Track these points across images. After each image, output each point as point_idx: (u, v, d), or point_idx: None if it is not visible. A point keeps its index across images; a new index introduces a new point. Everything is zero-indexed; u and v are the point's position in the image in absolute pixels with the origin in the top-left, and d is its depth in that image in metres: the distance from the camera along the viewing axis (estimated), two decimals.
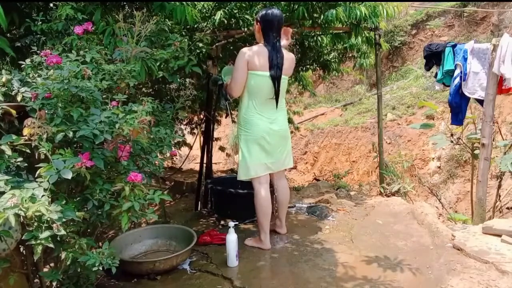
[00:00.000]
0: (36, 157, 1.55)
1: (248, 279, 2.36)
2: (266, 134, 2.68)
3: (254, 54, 2.57)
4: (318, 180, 7.78)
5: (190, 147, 6.09)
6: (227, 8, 3.32)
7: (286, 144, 2.86)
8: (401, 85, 10.31)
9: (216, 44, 3.53)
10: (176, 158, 6.15)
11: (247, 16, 3.43)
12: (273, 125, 2.71)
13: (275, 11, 2.63)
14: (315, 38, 4.53)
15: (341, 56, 5.13)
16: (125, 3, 2.71)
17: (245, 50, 2.60)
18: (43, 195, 1.40)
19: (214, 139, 4.86)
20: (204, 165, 4.06)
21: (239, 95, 2.70)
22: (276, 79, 2.62)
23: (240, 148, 2.77)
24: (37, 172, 1.47)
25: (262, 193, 2.72)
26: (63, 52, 1.99)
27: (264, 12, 2.62)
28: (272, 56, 2.59)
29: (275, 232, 3.02)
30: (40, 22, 2.13)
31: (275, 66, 2.60)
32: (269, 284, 2.31)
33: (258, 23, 2.65)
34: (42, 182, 1.45)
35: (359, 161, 8.49)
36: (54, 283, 1.86)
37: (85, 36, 2.07)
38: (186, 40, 2.47)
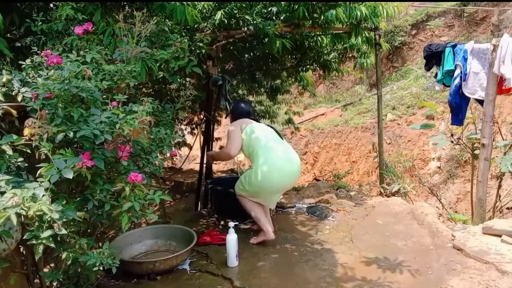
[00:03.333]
0: (36, 157, 1.55)
1: (248, 279, 2.36)
2: (286, 186, 2.94)
3: (243, 120, 2.89)
4: (318, 180, 7.78)
5: (190, 147, 6.10)
6: (227, 8, 3.31)
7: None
8: (401, 85, 10.31)
9: (216, 44, 3.53)
10: (176, 158, 6.16)
11: (247, 16, 3.43)
12: (291, 176, 2.81)
13: (243, 104, 3.09)
14: (315, 38, 4.53)
15: (341, 56, 5.12)
16: (125, 3, 2.70)
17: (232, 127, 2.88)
18: (44, 195, 1.41)
19: (214, 139, 4.86)
20: (204, 165, 4.06)
21: (236, 153, 2.85)
22: (268, 126, 2.92)
23: (252, 191, 2.79)
24: (38, 172, 1.47)
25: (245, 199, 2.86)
26: (64, 52, 1.99)
27: (232, 106, 3.08)
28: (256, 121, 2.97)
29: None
30: (40, 23, 2.13)
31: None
32: (269, 284, 2.31)
33: (230, 116, 3.08)
34: (43, 182, 1.45)
35: (359, 161, 8.50)
36: (54, 283, 1.86)
37: (85, 36, 2.07)
38: (186, 40, 2.47)
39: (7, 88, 1.77)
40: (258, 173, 2.68)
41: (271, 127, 2.95)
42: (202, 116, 5.66)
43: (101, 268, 1.60)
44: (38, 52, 1.92)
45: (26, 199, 1.34)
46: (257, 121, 3.01)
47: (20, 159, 1.57)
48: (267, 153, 2.71)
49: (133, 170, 1.72)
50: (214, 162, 3.41)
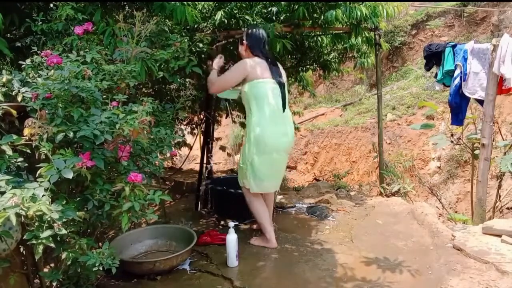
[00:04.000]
0: (36, 157, 1.55)
1: (248, 279, 2.36)
2: (281, 148, 2.75)
3: (256, 64, 2.67)
4: (318, 180, 7.78)
5: (190, 147, 6.09)
6: (227, 8, 3.32)
7: (285, 163, 3.01)
8: (401, 85, 10.31)
9: (216, 44, 3.53)
10: (176, 158, 6.15)
11: (247, 16, 3.43)
12: (285, 138, 2.75)
13: (260, 29, 2.82)
14: (315, 38, 4.53)
15: (341, 56, 5.12)
16: (125, 3, 2.71)
17: (247, 60, 2.68)
18: (43, 195, 1.41)
19: (214, 139, 4.86)
20: (204, 165, 4.06)
21: (217, 93, 2.81)
22: (280, 85, 2.72)
23: (250, 163, 2.72)
24: (38, 172, 1.47)
25: (254, 198, 2.81)
26: (64, 52, 1.99)
27: (250, 30, 2.79)
28: (271, 65, 2.72)
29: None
30: (40, 22, 2.13)
31: (276, 74, 2.73)
32: (269, 284, 2.31)
33: (244, 43, 2.78)
34: (43, 182, 1.45)
35: (359, 161, 8.49)
36: (54, 283, 1.86)
37: (85, 36, 2.07)
38: (186, 40, 2.47)
39: (7, 88, 1.77)
40: (251, 137, 2.67)
41: (282, 89, 2.75)
42: (202, 116, 5.65)
43: (101, 268, 1.60)
44: (38, 52, 1.92)
45: (26, 199, 1.34)
46: (275, 65, 2.80)
47: (20, 159, 1.56)
48: (261, 110, 2.66)
49: (133, 170, 1.72)
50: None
